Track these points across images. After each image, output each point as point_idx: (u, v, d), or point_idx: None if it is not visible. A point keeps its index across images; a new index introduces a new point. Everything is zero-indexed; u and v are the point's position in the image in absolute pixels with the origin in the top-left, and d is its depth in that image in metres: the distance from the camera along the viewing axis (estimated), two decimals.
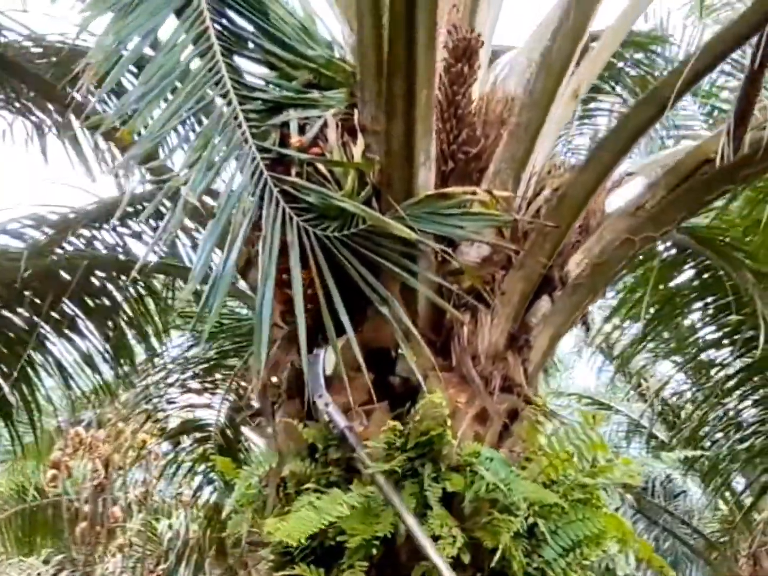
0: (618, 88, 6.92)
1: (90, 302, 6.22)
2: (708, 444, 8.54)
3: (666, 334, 7.55)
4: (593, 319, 5.52)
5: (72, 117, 6.13)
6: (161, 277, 6.56)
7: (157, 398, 7.89)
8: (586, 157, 4.43)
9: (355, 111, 3.76)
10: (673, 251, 6.17)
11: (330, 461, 3.58)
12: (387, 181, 3.60)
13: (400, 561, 3.41)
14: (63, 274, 5.93)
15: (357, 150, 3.67)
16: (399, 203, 3.49)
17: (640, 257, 5.27)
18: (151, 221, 5.97)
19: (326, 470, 3.57)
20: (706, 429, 8.44)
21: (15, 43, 5.96)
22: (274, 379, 3.98)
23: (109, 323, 6.38)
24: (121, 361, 6.59)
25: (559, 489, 3.48)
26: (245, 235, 3.37)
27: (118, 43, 3.46)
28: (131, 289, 6.41)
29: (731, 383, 7.47)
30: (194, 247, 6.23)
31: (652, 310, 6.85)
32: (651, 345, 7.84)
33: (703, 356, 7.57)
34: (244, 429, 7.95)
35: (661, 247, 5.77)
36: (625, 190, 4.38)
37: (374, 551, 3.34)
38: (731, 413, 7.96)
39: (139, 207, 5.80)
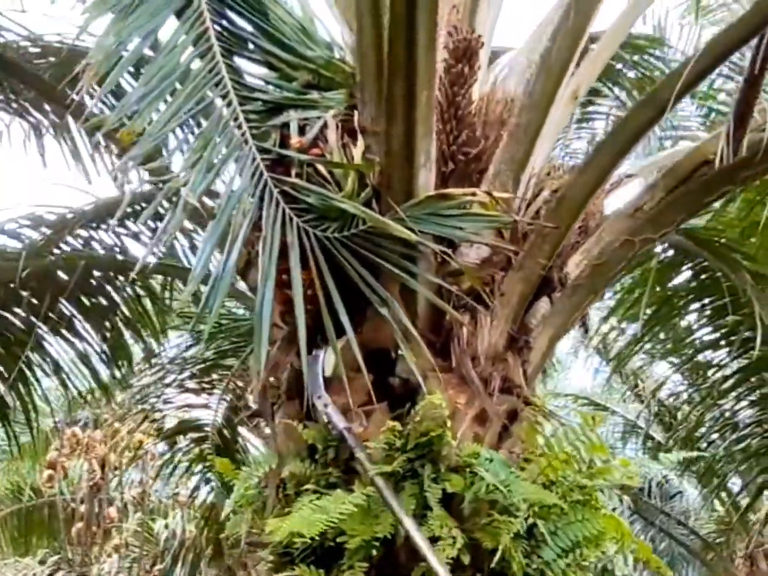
0: (616, 90, 6.92)
1: (87, 302, 6.22)
2: (704, 445, 8.56)
3: (663, 335, 7.56)
4: (590, 320, 5.52)
5: (69, 118, 6.15)
6: (159, 277, 6.56)
7: (154, 398, 7.89)
8: (586, 158, 4.44)
9: (355, 112, 3.76)
10: (671, 252, 6.18)
11: (330, 462, 3.58)
12: (387, 182, 3.60)
13: (400, 562, 3.41)
14: (61, 274, 5.93)
15: (357, 151, 3.67)
16: (399, 204, 3.49)
17: (638, 258, 5.27)
18: (149, 221, 5.98)
19: (326, 471, 3.57)
20: (703, 430, 8.45)
21: (13, 44, 5.96)
22: (274, 380, 3.99)
23: (107, 323, 6.38)
24: (119, 361, 6.58)
25: (559, 490, 3.48)
26: (245, 236, 3.38)
27: (118, 43, 3.45)
28: (129, 290, 6.40)
29: (728, 384, 7.47)
30: (192, 247, 6.23)
31: (649, 311, 6.85)
32: (648, 346, 7.85)
33: (699, 357, 7.58)
34: (242, 429, 7.96)
35: (658, 249, 5.77)
36: (623, 192, 4.40)
37: (374, 552, 3.35)
38: (728, 414, 7.98)
39: (137, 207, 5.80)
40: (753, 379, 7.33)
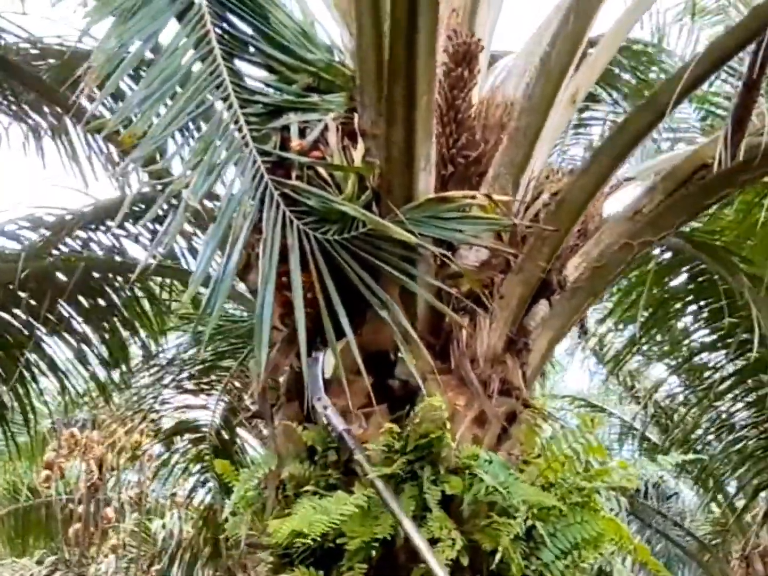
0: (614, 94, 6.94)
1: (86, 303, 6.22)
2: (700, 446, 8.57)
3: (659, 337, 7.57)
4: (587, 322, 5.54)
5: (67, 120, 6.16)
6: (158, 278, 6.57)
7: (152, 399, 7.90)
8: (585, 161, 4.45)
9: (355, 115, 3.77)
10: (668, 255, 6.19)
11: (329, 464, 3.59)
12: (387, 185, 3.60)
13: (399, 563, 3.42)
14: (59, 275, 5.93)
15: (357, 154, 3.67)
16: (399, 207, 3.50)
17: (636, 261, 5.29)
18: (147, 223, 5.99)
19: (325, 473, 3.58)
20: (699, 432, 8.47)
21: (13, 46, 5.97)
22: (273, 382, 3.99)
23: (106, 324, 6.38)
24: (117, 362, 6.59)
25: (558, 492, 3.50)
26: (246, 238, 3.39)
27: (120, 46, 3.47)
28: (127, 291, 6.41)
29: (724, 386, 7.49)
30: (191, 249, 6.25)
31: (646, 313, 6.86)
32: (644, 347, 7.87)
33: (696, 359, 7.59)
34: (239, 430, 7.98)
35: (656, 251, 5.79)
36: (623, 195, 4.41)
37: (373, 553, 3.36)
38: (724, 416, 7.99)
39: (136, 209, 5.81)
40: (750, 381, 7.34)
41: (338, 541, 3.36)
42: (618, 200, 4.39)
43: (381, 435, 3.46)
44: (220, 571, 9.23)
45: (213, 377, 7.72)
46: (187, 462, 8.31)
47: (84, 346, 6.34)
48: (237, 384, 7.58)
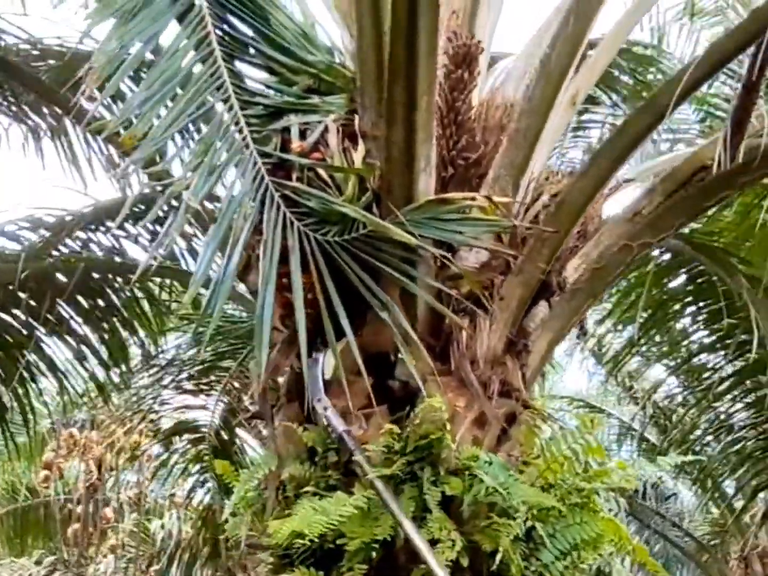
0: (613, 96, 6.95)
1: (86, 304, 6.23)
2: (699, 447, 8.57)
3: (658, 338, 7.58)
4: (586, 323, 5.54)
5: (67, 121, 6.17)
6: (157, 279, 6.57)
7: (152, 399, 7.90)
8: (585, 163, 4.45)
9: (356, 116, 3.77)
10: (667, 256, 6.20)
11: (329, 465, 3.59)
12: (387, 187, 3.61)
13: (399, 564, 3.43)
14: (59, 276, 5.94)
15: (357, 155, 3.68)
16: (399, 208, 3.51)
17: (635, 262, 5.30)
18: (147, 224, 6.00)
19: (325, 473, 3.58)
20: (698, 432, 8.47)
21: (14, 47, 5.97)
22: (273, 383, 4.00)
23: (105, 325, 6.39)
24: (117, 362, 6.59)
25: (557, 493, 3.51)
26: (246, 239, 3.39)
27: (120, 47, 3.47)
28: (127, 292, 6.41)
29: (723, 387, 7.50)
30: (190, 249, 6.25)
31: (645, 315, 6.87)
32: (643, 348, 7.88)
33: (695, 360, 7.60)
34: (238, 430, 7.98)
35: (655, 252, 5.80)
36: (622, 196, 4.41)
37: (373, 554, 3.36)
38: (723, 417, 8.00)
39: (135, 210, 5.81)
40: (748, 382, 7.35)
41: (338, 541, 3.37)
42: (617, 202, 4.40)
43: (381, 436, 3.46)
44: (220, 571, 9.24)
45: (212, 378, 7.72)
46: (186, 462, 8.32)
47: (83, 347, 6.35)
48: (236, 384, 7.58)
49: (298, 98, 3.78)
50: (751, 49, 3.68)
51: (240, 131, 3.49)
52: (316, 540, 3.29)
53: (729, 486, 10.39)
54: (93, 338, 6.35)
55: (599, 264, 4.16)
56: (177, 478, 8.78)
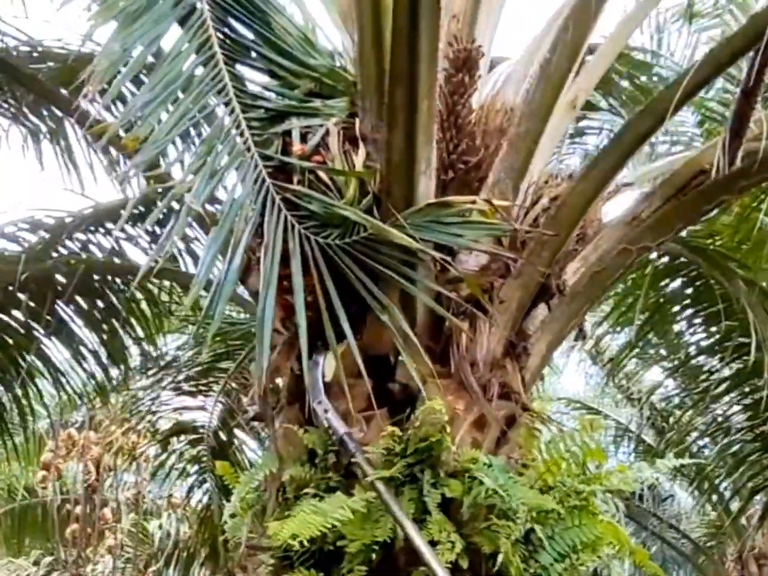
0: (611, 101, 6.97)
1: (85, 305, 6.24)
2: (696, 449, 8.60)
3: (655, 341, 7.60)
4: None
5: (67, 123, 6.18)
6: (156, 280, 6.58)
7: (150, 400, 7.91)
8: (585, 166, 4.47)
9: (357, 120, 3.79)
10: (665, 259, 6.22)
11: (330, 466, 3.60)
12: (387, 190, 3.62)
13: (399, 565, 3.44)
14: (59, 277, 5.95)
15: (358, 158, 3.69)
16: (399, 212, 3.51)
17: (634, 265, 5.31)
18: (147, 226, 6.00)
19: (326, 475, 3.59)
20: (695, 434, 8.50)
21: (14, 49, 5.98)
22: (273, 385, 4.01)
23: (105, 326, 6.40)
24: (116, 363, 6.61)
25: (556, 495, 3.51)
26: (247, 242, 3.40)
27: (123, 50, 3.48)
28: (127, 293, 6.42)
29: (720, 389, 7.52)
30: (189, 251, 6.27)
31: (642, 317, 6.89)
32: (641, 351, 7.90)
33: (692, 362, 7.62)
34: (237, 431, 7.98)
35: (653, 255, 5.82)
36: (621, 200, 4.43)
37: (373, 556, 3.37)
38: (720, 419, 8.03)
39: (135, 212, 5.83)
40: (745, 385, 7.37)
41: (338, 543, 3.38)
42: (617, 205, 4.42)
43: (381, 438, 3.47)
44: (219, 572, 9.23)
45: (211, 379, 7.72)
46: (184, 463, 8.32)
47: (83, 348, 6.36)
48: (235, 386, 7.58)
49: (299, 101, 3.79)
50: (750, 54, 3.70)
51: (241, 134, 3.50)
52: (316, 541, 3.30)
53: (726, 488, 10.42)
54: (92, 339, 6.36)
55: (599, 267, 4.18)
56: (175, 479, 8.78)
